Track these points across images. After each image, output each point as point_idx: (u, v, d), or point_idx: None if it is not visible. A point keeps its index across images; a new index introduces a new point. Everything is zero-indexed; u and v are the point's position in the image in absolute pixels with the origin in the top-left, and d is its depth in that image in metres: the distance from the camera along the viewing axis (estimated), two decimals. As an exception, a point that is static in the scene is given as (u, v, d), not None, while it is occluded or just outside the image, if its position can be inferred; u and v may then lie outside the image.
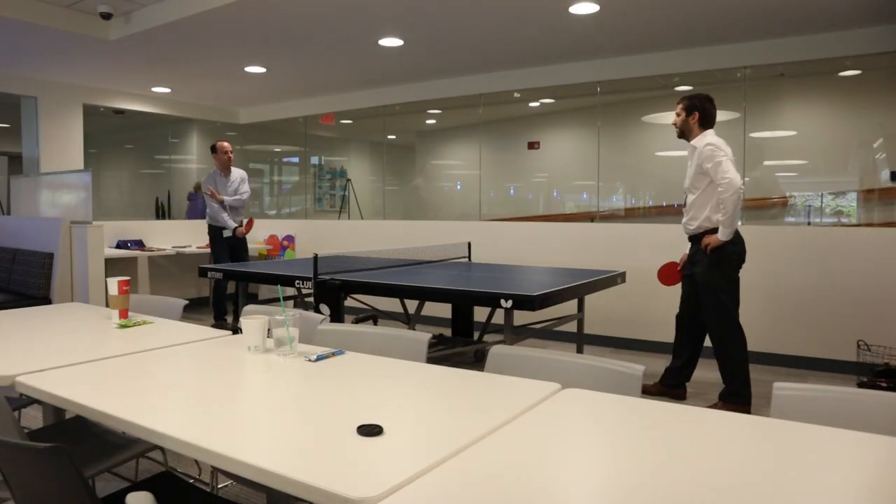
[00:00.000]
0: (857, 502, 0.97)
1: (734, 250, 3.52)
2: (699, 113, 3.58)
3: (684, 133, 3.67)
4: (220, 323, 5.91)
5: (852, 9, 4.08)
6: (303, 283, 3.88)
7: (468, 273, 4.26)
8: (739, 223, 3.59)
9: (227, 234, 5.84)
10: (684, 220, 3.69)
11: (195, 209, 7.78)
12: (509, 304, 3.11)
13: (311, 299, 3.87)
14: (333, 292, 3.68)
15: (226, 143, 5.87)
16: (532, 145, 6.85)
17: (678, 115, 3.66)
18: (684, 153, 3.74)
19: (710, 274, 3.56)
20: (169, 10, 4.47)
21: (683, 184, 3.72)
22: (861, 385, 3.94)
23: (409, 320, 4.34)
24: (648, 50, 5.16)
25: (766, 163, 5.23)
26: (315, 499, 0.99)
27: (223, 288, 5.98)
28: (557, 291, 3.33)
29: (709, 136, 3.54)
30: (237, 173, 5.96)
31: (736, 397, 3.53)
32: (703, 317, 3.65)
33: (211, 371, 1.70)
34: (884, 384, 3.83)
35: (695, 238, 3.65)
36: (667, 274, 3.92)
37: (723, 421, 1.33)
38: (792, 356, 4.62)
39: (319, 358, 1.81)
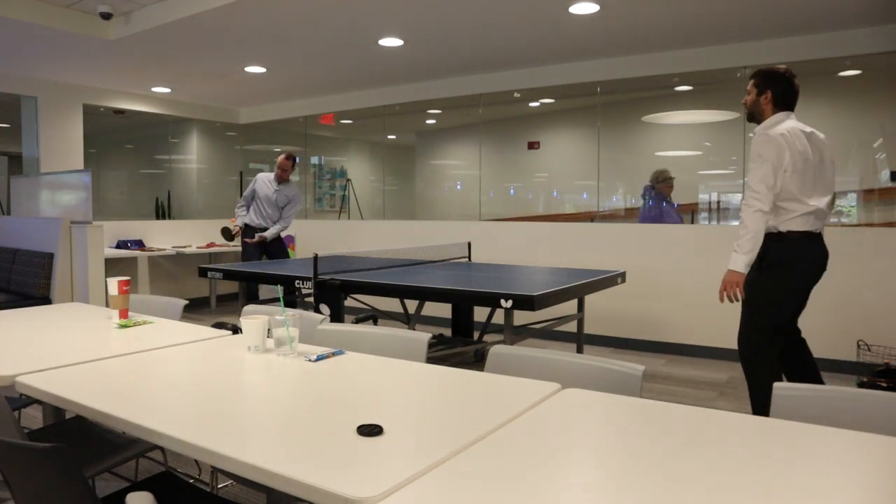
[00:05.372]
0: (857, 502, 0.97)
1: (764, 290, 2.86)
2: (772, 91, 2.93)
3: (754, 116, 3.02)
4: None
5: (852, 9, 4.08)
6: (303, 283, 3.88)
7: (468, 273, 4.26)
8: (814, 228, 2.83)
9: (258, 236, 5.75)
10: None
11: (650, 209, 5.59)
12: (509, 304, 3.11)
13: (311, 299, 3.87)
14: (333, 292, 3.68)
15: (283, 157, 5.68)
16: (532, 145, 6.85)
17: (748, 92, 3.02)
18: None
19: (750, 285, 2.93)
20: (169, 10, 4.47)
21: None
22: (861, 385, 3.94)
23: (409, 320, 4.34)
24: (648, 50, 5.16)
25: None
26: (315, 499, 0.99)
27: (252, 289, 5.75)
28: (557, 291, 3.33)
29: (782, 124, 2.88)
30: (288, 190, 5.81)
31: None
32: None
33: (211, 371, 1.70)
34: (884, 384, 3.82)
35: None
36: None
37: (723, 421, 1.33)
38: (792, 356, 4.61)
39: (319, 358, 1.81)
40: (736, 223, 3.91)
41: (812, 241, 2.89)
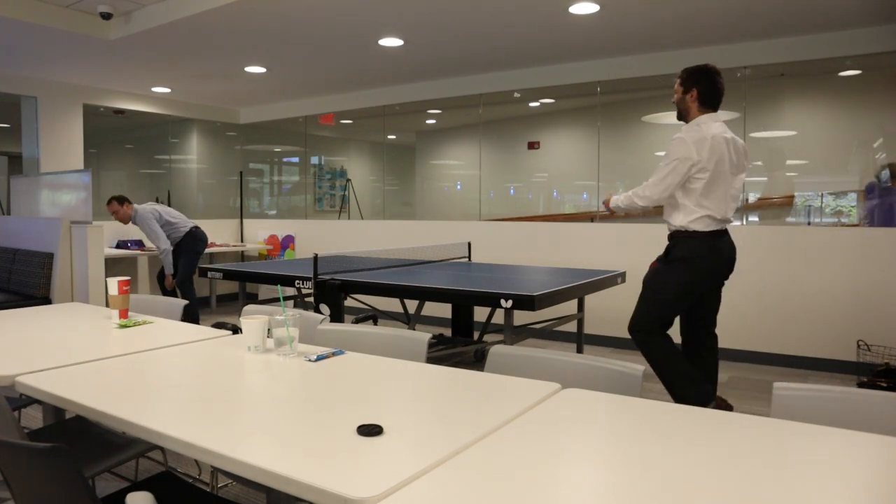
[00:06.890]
0: (857, 502, 0.97)
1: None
2: (697, 89, 2.96)
3: (681, 114, 3.06)
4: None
5: (852, 9, 4.07)
6: (303, 283, 3.88)
7: (468, 273, 4.26)
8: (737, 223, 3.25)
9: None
10: None
11: (880, 206, 4.67)
12: (509, 304, 3.11)
13: (311, 299, 3.87)
14: (333, 292, 3.68)
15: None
16: (532, 145, 6.85)
17: (675, 91, 3.06)
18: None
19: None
20: (169, 10, 4.47)
21: None
22: (861, 385, 3.94)
23: (409, 320, 4.34)
24: (648, 50, 5.16)
25: (767, 163, 5.23)
26: (315, 499, 0.99)
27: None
28: (557, 291, 3.33)
29: (705, 127, 2.93)
30: (137, 221, 5.67)
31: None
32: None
33: (211, 371, 1.70)
34: (884, 384, 3.83)
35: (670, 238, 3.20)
36: None
37: (722, 421, 1.33)
38: (792, 356, 4.62)
39: (319, 358, 1.81)
40: (736, 223, 3.96)
41: (717, 238, 3.01)
